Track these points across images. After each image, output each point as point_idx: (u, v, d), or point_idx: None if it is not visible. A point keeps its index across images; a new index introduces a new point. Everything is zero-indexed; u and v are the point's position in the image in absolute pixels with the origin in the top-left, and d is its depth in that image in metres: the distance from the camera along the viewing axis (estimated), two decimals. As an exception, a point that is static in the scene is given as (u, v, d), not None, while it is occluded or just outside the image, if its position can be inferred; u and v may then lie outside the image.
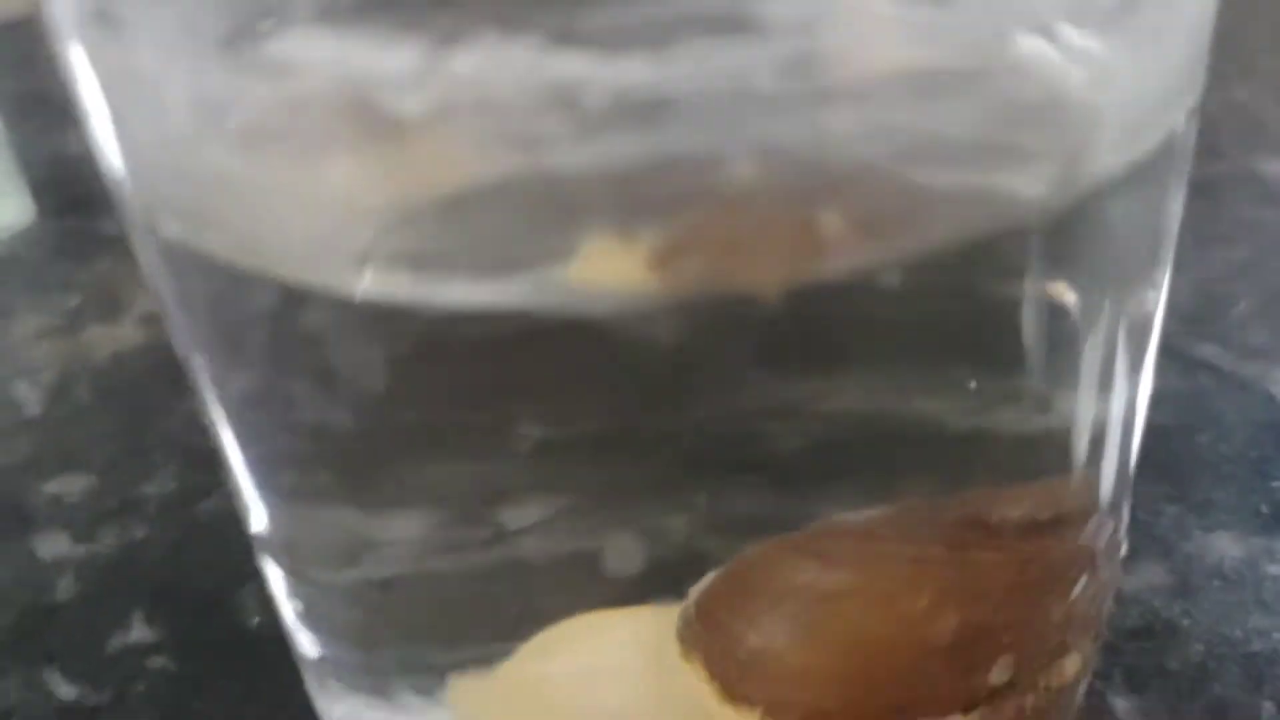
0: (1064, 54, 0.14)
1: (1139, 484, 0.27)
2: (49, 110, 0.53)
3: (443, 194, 0.13)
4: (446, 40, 0.12)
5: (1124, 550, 0.19)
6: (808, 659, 0.17)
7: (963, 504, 0.17)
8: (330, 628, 0.19)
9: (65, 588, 0.29)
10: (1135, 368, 0.18)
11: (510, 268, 0.13)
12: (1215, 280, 0.35)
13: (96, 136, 0.16)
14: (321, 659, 0.19)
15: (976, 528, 0.17)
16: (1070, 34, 0.14)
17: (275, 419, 0.17)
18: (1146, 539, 0.27)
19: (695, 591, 0.16)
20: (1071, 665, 0.19)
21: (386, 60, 0.12)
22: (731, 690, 0.17)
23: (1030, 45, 0.14)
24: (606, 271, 0.13)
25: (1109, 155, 0.15)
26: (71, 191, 0.46)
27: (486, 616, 0.17)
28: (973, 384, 0.16)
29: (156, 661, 0.26)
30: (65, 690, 0.26)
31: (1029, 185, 0.14)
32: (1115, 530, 0.19)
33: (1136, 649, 0.24)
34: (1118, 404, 0.17)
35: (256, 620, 0.27)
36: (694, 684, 0.17)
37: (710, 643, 0.17)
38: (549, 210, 0.13)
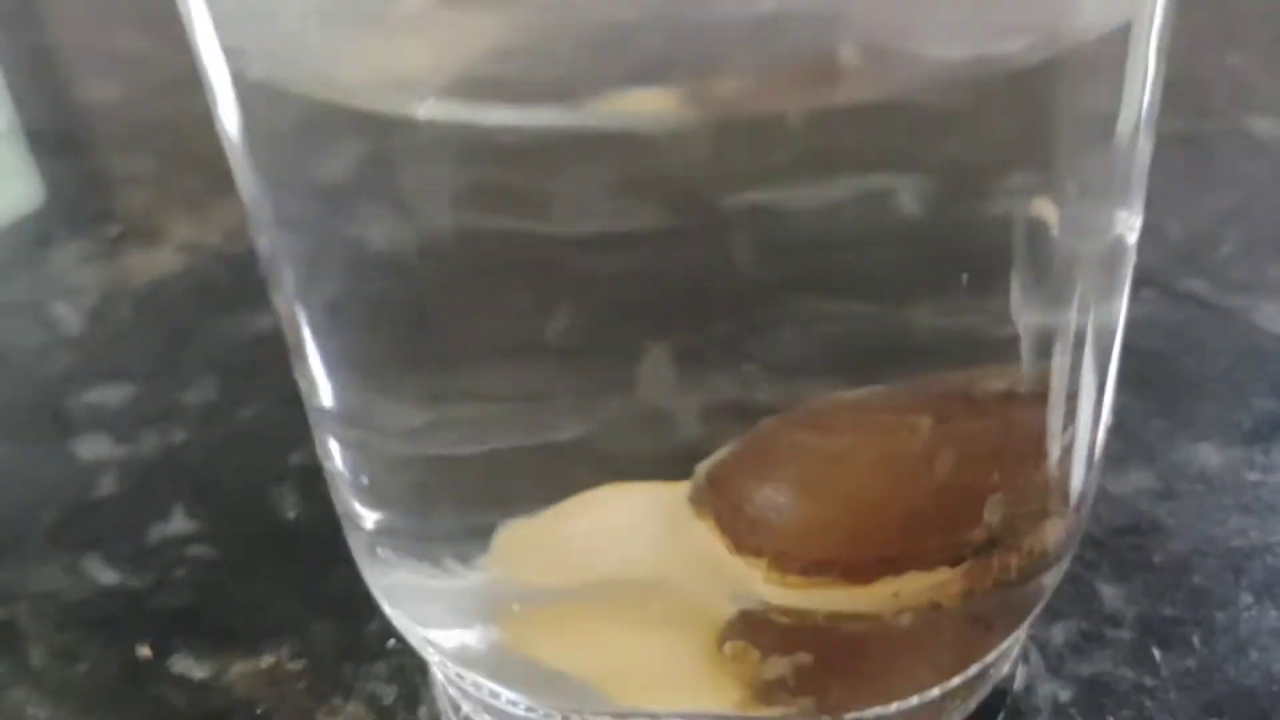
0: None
1: (1130, 399, 0.29)
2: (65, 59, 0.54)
3: (501, 35, 0.15)
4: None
5: (1104, 429, 0.21)
6: (808, 515, 0.18)
7: (949, 381, 0.18)
8: (389, 498, 0.20)
9: (107, 485, 0.30)
10: (1110, 273, 0.19)
11: (557, 98, 0.15)
12: (1204, 223, 0.36)
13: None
14: (376, 530, 0.21)
15: (962, 400, 0.18)
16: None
17: (355, 289, 0.18)
18: (1135, 448, 0.28)
19: (705, 463, 0.18)
20: (1052, 531, 0.20)
21: None
22: (740, 543, 0.18)
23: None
24: (644, 104, 0.14)
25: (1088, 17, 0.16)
26: (106, 133, 0.47)
27: (526, 487, 0.18)
28: (964, 277, 0.17)
29: (196, 550, 0.28)
30: (107, 575, 0.27)
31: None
32: (1096, 405, 0.20)
33: (1123, 544, 0.26)
34: (1093, 311, 0.19)
35: (292, 514, 0.28)
36: (706, 538, 0.18)
37: (720, 502, 0.18)
38: (595, 55, 0.15)
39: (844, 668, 0.19)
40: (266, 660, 0.25)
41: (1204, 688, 0.23)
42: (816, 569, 0.18)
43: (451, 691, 0.23)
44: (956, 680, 0.21)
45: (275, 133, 0.17)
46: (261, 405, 0.32)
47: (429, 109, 0.15)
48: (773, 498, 0.18)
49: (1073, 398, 0.19)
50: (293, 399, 0.21)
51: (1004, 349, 0.18)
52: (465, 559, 0.19)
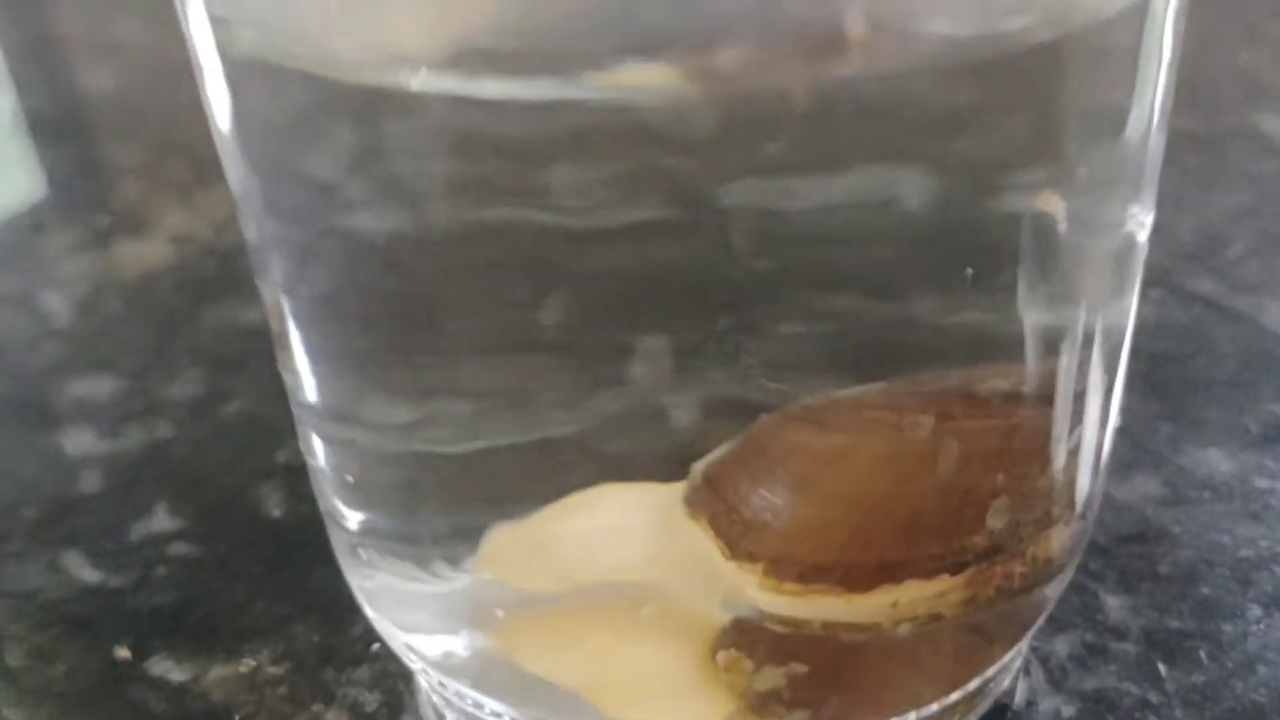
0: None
1: (1136, 402, 0.28)
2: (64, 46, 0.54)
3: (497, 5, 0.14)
4: None
5: (1111, 433, 0.20)
6: (805, 518, 0.17)
7: (952, 379, 0.17)
8: (375, 498, 0.20)
9: (90, 480, 0.29)
10: (1120, 271, 0.19)
11: (554, 71, 0.14)
12: (1215, 223, 0.36)
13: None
14: (360, 530, 0.20)
15: (965, 399, 0.17)
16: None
17: (342, 279, 0.18)
18: (1141, 453, 0.27)
19: (701, 462, 0.17)
20: (1057, 538, 0.19)
21: None
22: (735, 548, 0.17)
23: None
24: (643, 77, 0.14)
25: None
26: (99, 121, 0.47)
27: (516, 486, 0.18)
28: (969, 272, 0.16)
29: (179, 548, 0.27)
30: (88, 573, 0.27)
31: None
32: (1104, 407, 0.20)
33: (1128, 552, 0.25)
34: (1102, 310, 0.18)
35: (277, 512, 0.28)
36: (700, 542, 0.18)
37: (715, 504, 0.17)
38: (593, 27, 0.14)
39: (840, 680, 0.19)
40: (247, 663, 0.24)
41: (1211, 704, 0.22)
42: (813, 575, 0.18)
43: (435, 699, 0.22)
44: (956, 695, 0.20)
45: (263, 115, 0.17)
46: (249, 400, 0.31)
47: (422, 81, 0.14)
48: (769, 499, 0.17)
49: (1080, 399, 0.18)
50: (281, 394, 0.20)
51: (1009, 347, 0.17)
52: (452, 561, 0.19)
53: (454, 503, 0.19)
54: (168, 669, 0.24)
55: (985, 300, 0.17)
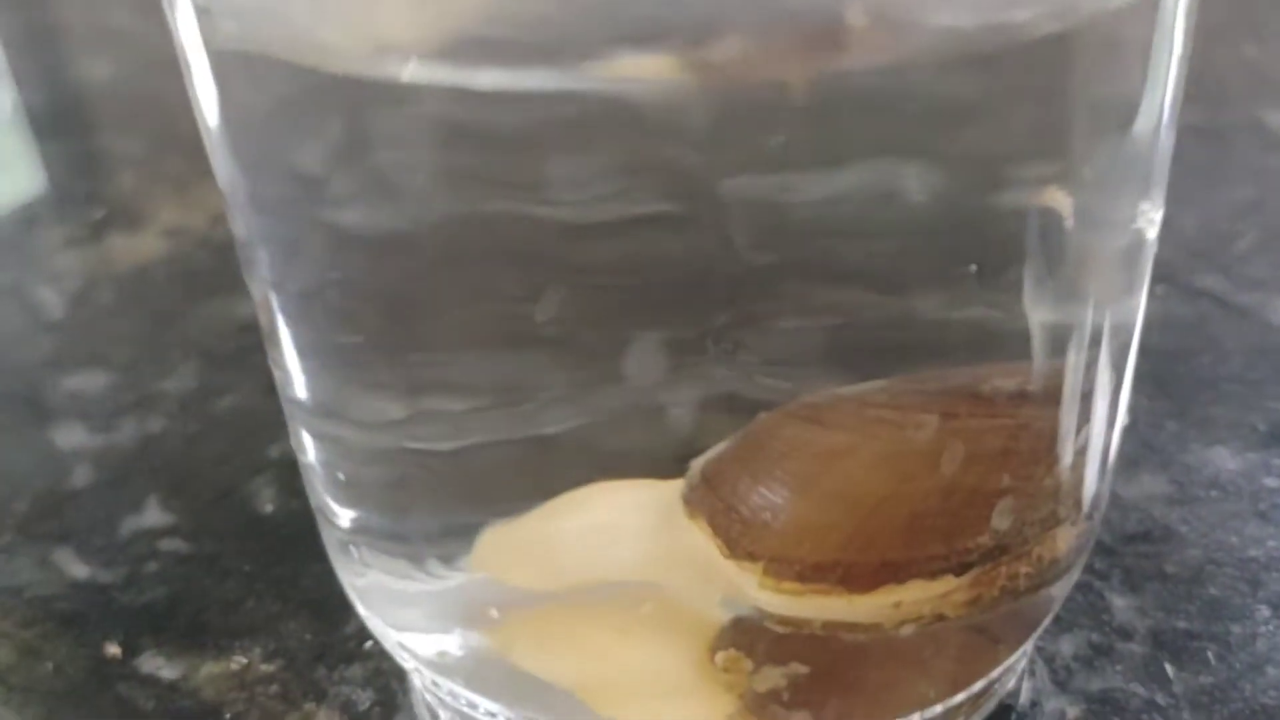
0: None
1: (1142, 400, 0.28)
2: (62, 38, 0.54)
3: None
4: None
5: (1119, 431, 0.20)
6: (806, 516, 0.17)
7: (957, 376, 0.17)
8: (366, 495, 0.19)
9: (82, 475, 0.29)
10: (1128, 268, 0.18)
11: (550, 62, 0.14)
12: (1220, 218, 0.36)
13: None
14: (352, 528, 0.20)
15: (970, 397, 0.17)
16: None
17: (331, 274, 0.17)
18: (1147, 451, 0.27)
19: (700, 460, 0.17)
20: (1063, 538, 0.19)
21: None
22: (734, 547, 0.17)
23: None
24: (640, 69, 0.14)
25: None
26: (94, 113, 0.47)
27: (511, 484, 0.18)
28: (972, 267, 0.16)
29: (170, 544, 0.27)
30: (77, 569, 0.26)
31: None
32: (1111, 406, 0.19)
33: (1135, 552, 0.25)
34: (1110, 307, 0.18)
35: (270, 508, 0.27)
36: (699, 541, 0.17)
37: (714, 503, 0.17)
38: (589, 17, 0.14)
39: (842, 681, 0.19)
40: (238, 661, 0.24)
41: (1219, 705, 0.22)
42: (814, 574, 0.17)
43: (429, 698, 0.22)
44: (960, 696, 0.20)
45: (249, 109, 0.17)
46: (242, 395, 0.31)
47: (412, 72, 0.14)
48: (769, 497, 0.17)
49: (1088, 397, 0.18)
50: (273, 389, 0.20)
51: (1014, 345, 0.17)
52: (445, 560, 0.19)
53: (447, 501, 0.18)
54: (158, 666, 0.24)
55: (989, 297, 0.16)
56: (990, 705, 0.21)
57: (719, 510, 0.17)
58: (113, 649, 0.24)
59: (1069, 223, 0.16)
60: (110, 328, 0.35)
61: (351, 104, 0.15)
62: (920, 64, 0.14)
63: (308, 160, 0.16)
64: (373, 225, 0.16)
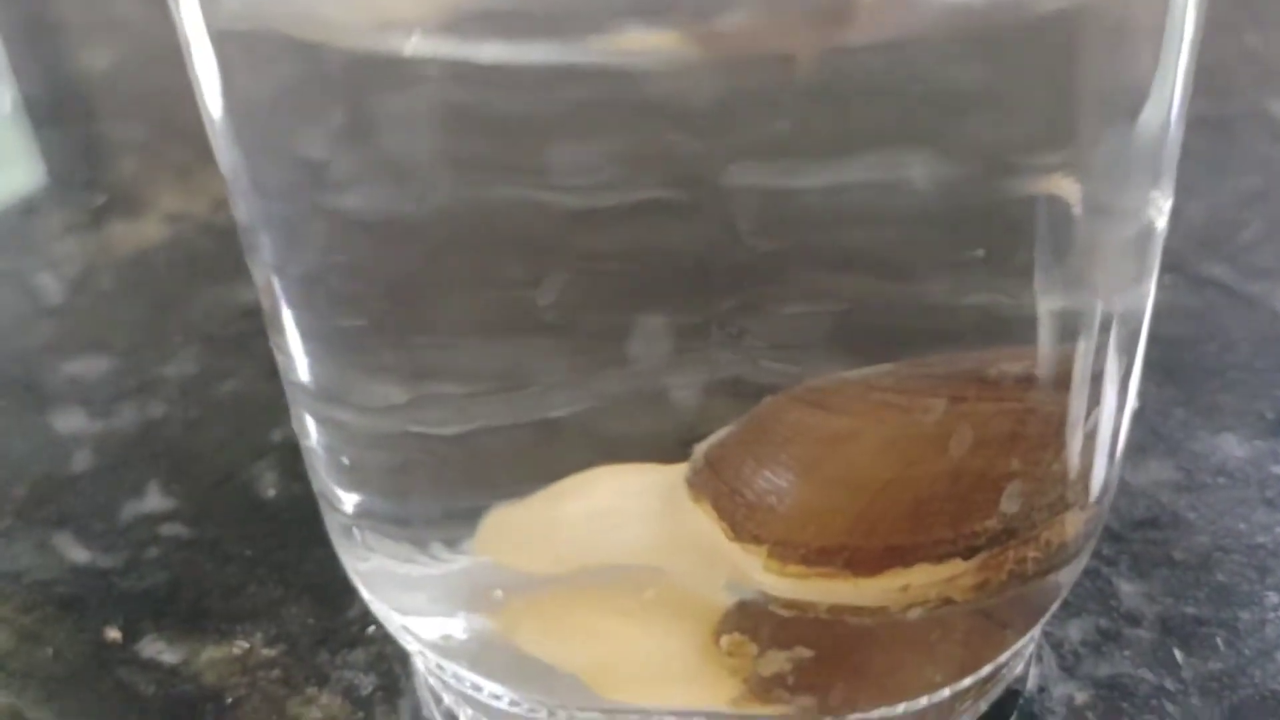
0: None
1: (1150, 387, 0.28)
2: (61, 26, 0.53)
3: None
4: None
5: (1128, 417, 0.20)
6: (811, 500, 0.17)
7: (964, 360, 0.17)
8: (369, 480, 0.19)
9: (82, 459, 0.29)
10: (1138, 256, 0.18)
11: (555, 35, 0.14)
12: (1226, 207, 0.36)
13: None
14: (355, 512, 0.20)
15: (976, 381, 0.17)
16: None
17: (333, 257, 0.17)
18: (1155, 438, 0.27)
19: (704, 444, 0.17)
20: (1071, 523, 0.19)
21: None
22: (738, 530, 0.17)
23: None
24: (644, 42, 0.13)
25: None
26: (96, 100, 0.47)
27: (514, 468, 0.17)
28: (980, 252, 0.16)
29: (170, 528, 0.27)
30: (78, 554, 0.26)
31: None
32: (1121, 392, 0.19)
33: (1143, 538, 0.25)
34: (1120, 294, 0.18)
35: (271, 492, 0.27)
36: (703, 525, 0.17)
37: (718, 486, 0.17)
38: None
39: (847, 665, 0.18)
40: (240, 645, 0.24)
41: (1229, 692, 0.22)
42: (819, 558, 0.17)
43: (432, 681, 0.22)
44: (967, 681, 0.20)
45: (250, 89, 0.16)
46: (243, 379, 0.31)
47: (415, 46, 0.14)
48: (774, 481, 0.17)
49: (1097, 384, 0.18)
50: (275, 373, 0.20)
51: (1021, 331, 0.17)
52: (450, 543, 0.19)
53: (450, 485, 0.18)
54: (159, 650, 0.24)
55: (995, 283, 0.16)
56: (997, 690, 0.21)
57: (723, 494, 0.17)
58: (113, 634, 0.24)
59: (1078, 210, 0.16)
60: (111, 313, 0.35)
61: (354, 86, 0.15)
62: (928, 42, 0.14)
63: (310, 143, 0.16)
64: (376, 209, 0.16)
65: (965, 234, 0.16)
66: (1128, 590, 0.24)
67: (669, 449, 0.17)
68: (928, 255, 0.16)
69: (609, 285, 0.16)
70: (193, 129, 0.18)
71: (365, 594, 0.21)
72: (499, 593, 0.19)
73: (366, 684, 0.23)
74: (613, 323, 0.16)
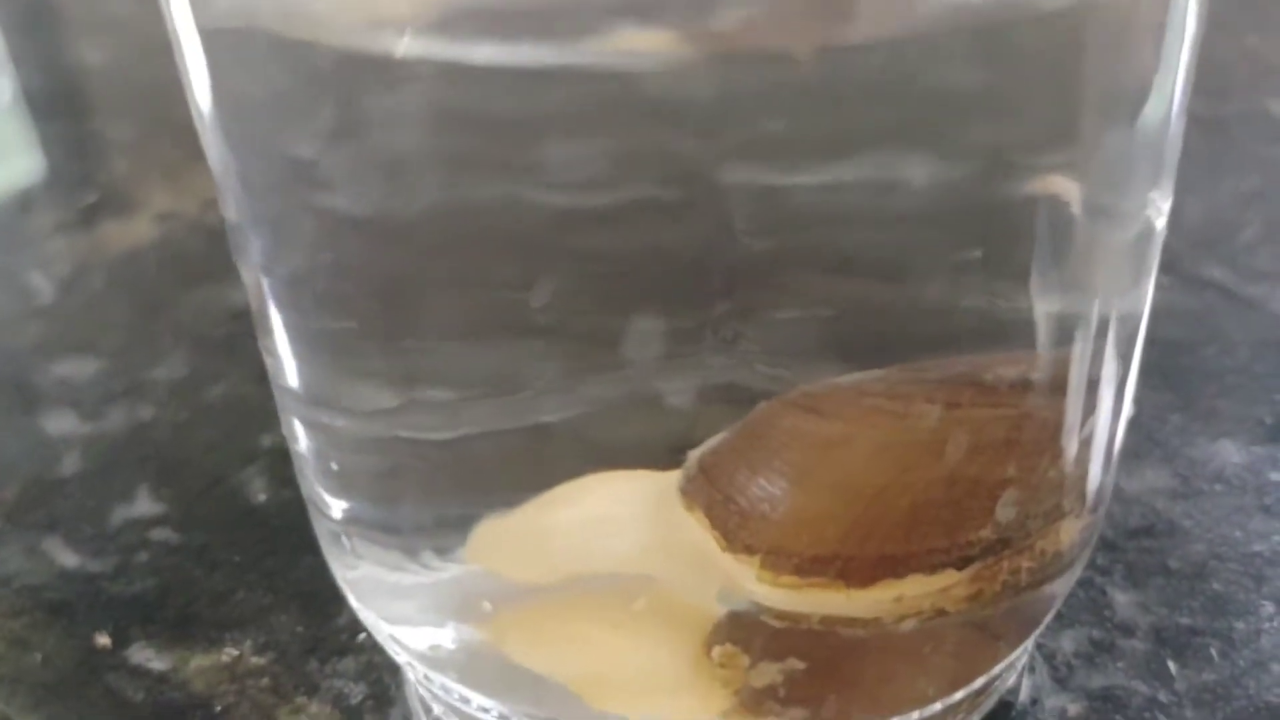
0: None
1: (1146, 392, 0.27)
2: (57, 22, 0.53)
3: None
4: None
5: (1124, 423, 0.20)
6: (804, 508, 0.17)
7: (960, 365, 0.17)
8: (359, 486, 0.19)
9: (71, 463, 0.29)
10: (1137, 258, 0.18)
11: (548, 35, 0.13)
12: (1225, 208, 0.35)
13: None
14: (345, 520, 0.19)
15: (972, 386, 0.17)
16: None
17: (322, 259, 0.17)
18: (1150, 444, 0.27)
19: (698, 451, 0.17)
20: (1067, 532, 0.19)
21: None
22: (731, 539, 0.17)
23: None
24: (642, 43, 0.13)
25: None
26: (87, 99, 0.46)
27: (505, 475, 0.17)
28: (977, 255, 0.16)
29: (160, 533, 0.27)
30: (67, 558, 0.26)
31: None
32: (1117, 398, 0.19)
33: (1138, 547, 0.24)
34: (1117, 298, 0.18)
35: (261, 498, 0.27)
36: (696, 534, 0.17)
37: (712, 493, 0.17)
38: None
39: (839, 677, 0.18)
40: (229, 653, 0.23)
41: (1223, 703, 0.21)
42: (812, 568, 0.17)
43: (422, 692, 0.22)
44: (960, 693, 0.20)
45: (240, 87, 0.16)
46: (234, 382, 0.31)
47: (407, 46, 0.14)
48: (767, 488, 0.17)
49: (1093, 389, 0.18)
50: (265, 377, 0.20)
51: (1018, 334, 0.17)
52: (440, 552, 0.18)
53: (440, 491, 0.18)
54: (148, 657, 0.24)
55: (994, 286, 0.16)
56: (990, 703, 0.21)
57: (717, 502, 0.17)
58: (102, 639, 0.24)
59: (1077, 211, 0.16)
60: (101, 314, 0.34)
61: (344, 85, 0.15)
62: (927, 39, 0.14)
63: (300, 142, 0.16)
64: (365, 209, 0.16)
65: (963, 235, 0.16)
66: (1122, 600, 0.23)
67: (662, 455, 0.17)
68: (925, 257, 0.16)
69: (602, 288, 0.16)
70: (184, 127, 0.18)
71: (354, 602, 0.21)
72: (488, 604, 0.19)
73: (356, 693, 0.23)
74: (605, 326, 0.16)
